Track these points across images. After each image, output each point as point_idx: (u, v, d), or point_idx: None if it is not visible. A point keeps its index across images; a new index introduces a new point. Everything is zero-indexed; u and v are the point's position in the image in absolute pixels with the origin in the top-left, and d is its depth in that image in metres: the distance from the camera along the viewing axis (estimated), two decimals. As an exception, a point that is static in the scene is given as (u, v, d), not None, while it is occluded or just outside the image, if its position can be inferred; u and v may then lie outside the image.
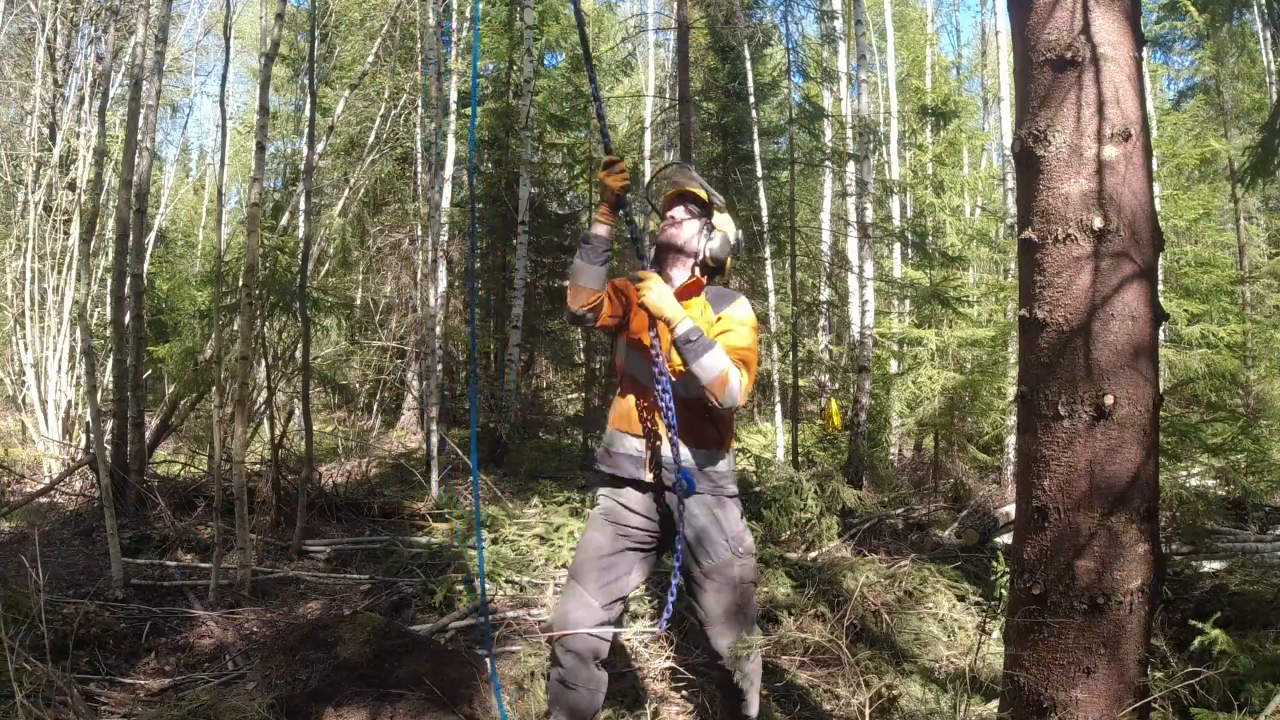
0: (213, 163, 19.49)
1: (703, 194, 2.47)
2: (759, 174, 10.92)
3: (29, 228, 9.31)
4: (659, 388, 2.23)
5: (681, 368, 2.24)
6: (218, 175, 6.56)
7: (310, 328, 6.04)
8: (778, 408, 10.84)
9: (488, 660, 2.64)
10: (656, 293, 2.19)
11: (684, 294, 2.37)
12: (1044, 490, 1.95)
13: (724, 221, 2.49)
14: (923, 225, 12.20)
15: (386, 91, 12.27)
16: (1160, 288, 3.09)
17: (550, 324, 13.16)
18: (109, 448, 5.80)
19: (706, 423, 2.32)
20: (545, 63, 13.34)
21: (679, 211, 2.47)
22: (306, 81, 9.50)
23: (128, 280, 6.37)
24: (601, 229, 2.30)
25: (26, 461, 8.08)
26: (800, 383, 11.23)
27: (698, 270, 2.45)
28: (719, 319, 2.33)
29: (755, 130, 10.78)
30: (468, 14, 12.36)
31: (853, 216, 9.21)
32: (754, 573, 2.44)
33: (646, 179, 12.79)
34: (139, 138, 6.34)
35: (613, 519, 2.37)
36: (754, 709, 2.57)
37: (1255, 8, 8.53)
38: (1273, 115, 5.45)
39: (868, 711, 2.38)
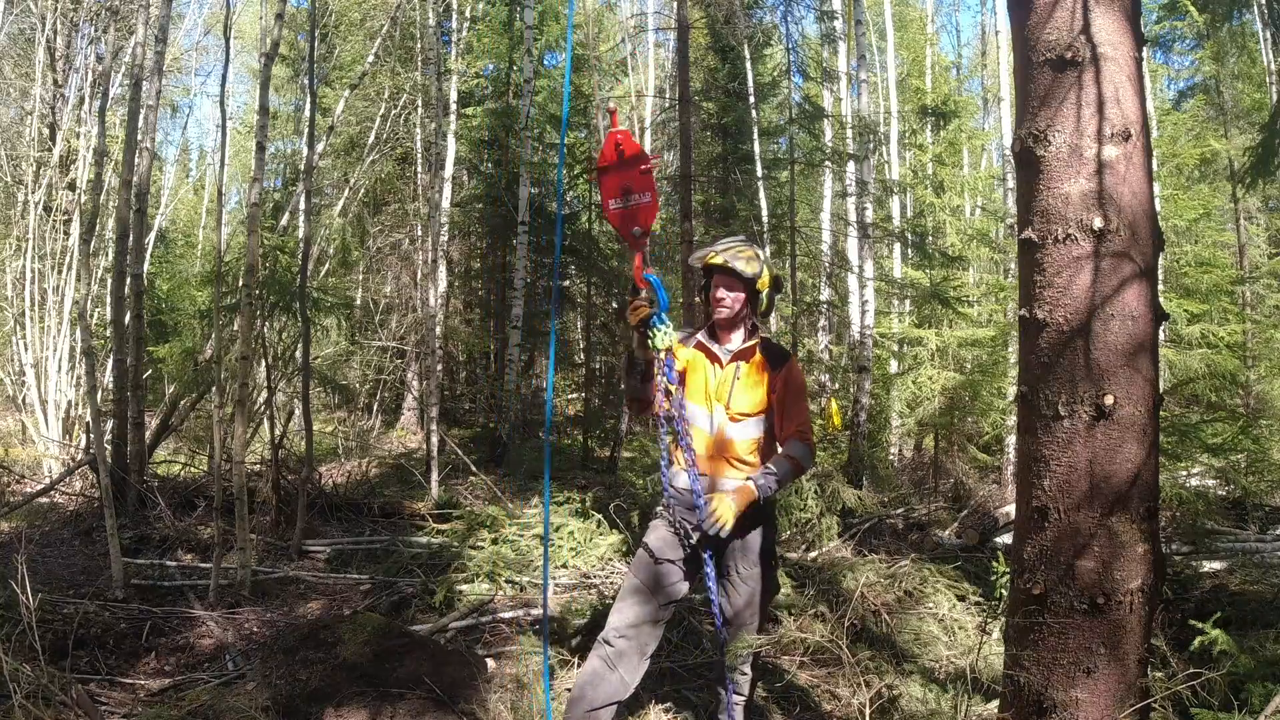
0: (213, 163, 19.49)
1: (742, 267, 2.57)
2: (759, 174, 10.90)
3: (29, 228, 9.31)
4: (678, 429, 2.56)
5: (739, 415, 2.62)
6: (218, 175, 6.56)
7: (310, 328, 6.04)
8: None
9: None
10: (728, 515, 2.42)
11: (742, 355, 2.65)
12: (1044, 490, 1.95)
13: (765, 279, 2.64)
14: (923, 225, 12.18)
15: (386, 91, 12.26)
16: (1160, 288, 3.09)
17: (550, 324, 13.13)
18: (109, 448, 5.80)
19: (755, 461, 2.63)
20: (545, 63, 13.33)
21: (724, 288, 2.62)
22: (306, 81, 9.48)
23: (128, 280, 6.37)
24: (638, 353, 2.55)
25: (26, 461, 8.08)
26: (800, 383, 11.19)
27: (746, 332, 2.68)
28: (776, 376, 2.62)
29: (755, 130, 10.76)
30: (468, 14, 12.37)
31: (853, 216, 9.21)
32: (775, 584, 2.72)
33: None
34: (139, 138, 6.34)
35: (673, 530, 2.63)
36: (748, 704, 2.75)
37: (1255, 8, 8.52)
38: (1273, 115, 5.45)
39: (868, 711, 2.38)
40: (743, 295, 2.62)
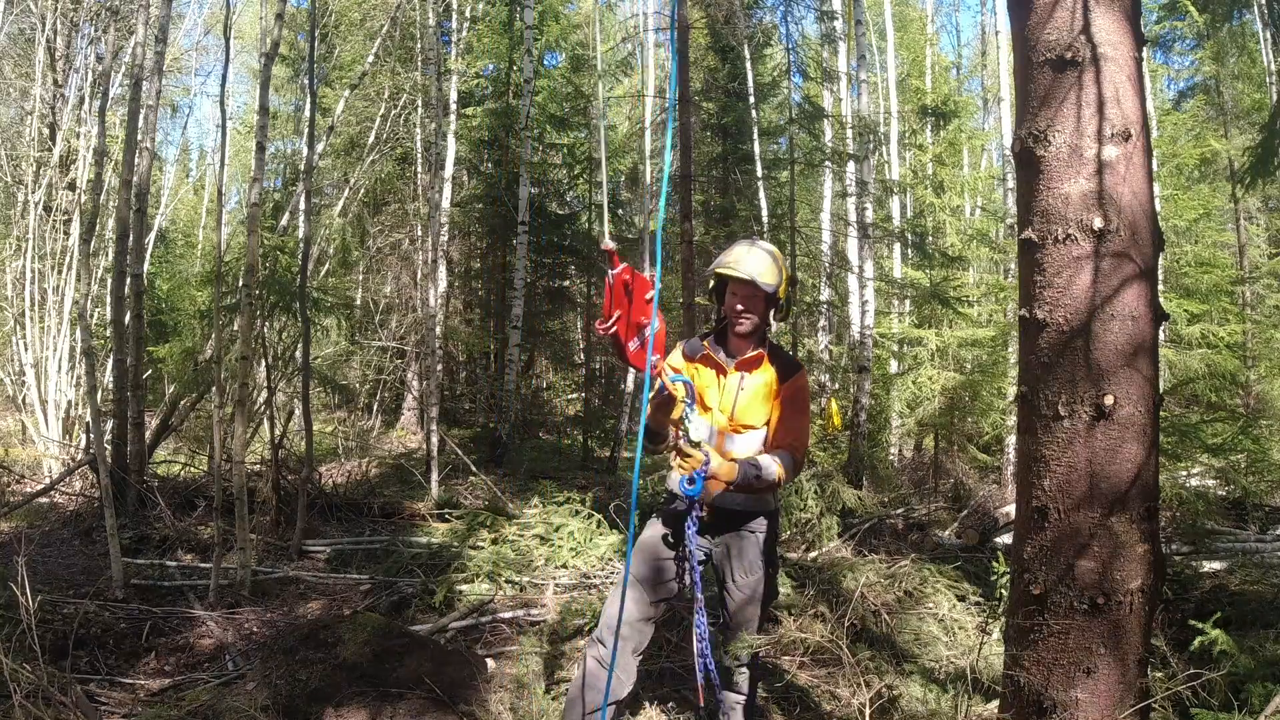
0: (213, 163, 19.50)
1: (765, 280, 2.50)
2: (759, 174, 10.91)
3: (29, 228, 9.31)
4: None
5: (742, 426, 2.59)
6: (218, 175, 6.55)
7: (310, 328, 6.04)
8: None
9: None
10: (720, 472, 2.39)
11: (747, 365, 2.61)
12: (1044, 490, 1.95)
13: (781, 288, 2.57)
14: (923, 225, 12.18)
15: (386, 91, 12.25)
16: (1160, 288, 3.09)
17: (550, 324, 13.15)
18: (109, 448, 5.80)
19: None
20: (545, 63, 13.33)
21: (743, 301, 2.55)
22: (306, 81, 9.48)
23: (128, 280, 6.37)
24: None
25: (26, 461, 8.08)
26: (800, 383, 11.20)
27: (756, 340, 2.64)
28: (782, 387, 2.59)
29: (755, 130, 10.76)
30: (468, 14, 12.36)
31: (853, 216, 9.21)
32: (774, 589, 2.69)
33: (648, 179, 12.80)
34: (139, 138, 6.34)
35: (671, 529, 2.62)
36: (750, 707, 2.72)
37: (1255, 8, 8.53)
38: (1273, 115, 5.45)
39: (868, 712, 2.38)
40: (763, 308, 2.56)
